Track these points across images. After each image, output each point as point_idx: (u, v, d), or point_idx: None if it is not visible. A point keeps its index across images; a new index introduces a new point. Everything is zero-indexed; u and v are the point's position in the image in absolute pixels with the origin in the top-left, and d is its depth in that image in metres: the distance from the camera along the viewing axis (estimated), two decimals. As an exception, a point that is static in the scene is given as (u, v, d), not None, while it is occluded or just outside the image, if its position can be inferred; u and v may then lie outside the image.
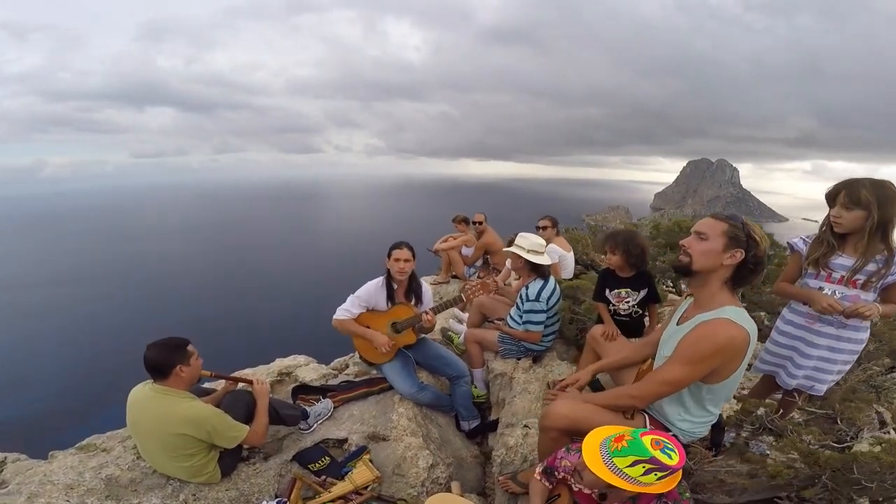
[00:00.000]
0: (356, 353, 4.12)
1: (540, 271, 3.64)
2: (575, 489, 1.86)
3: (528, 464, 2.72)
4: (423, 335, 3.68)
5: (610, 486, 1.53)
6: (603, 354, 2.98)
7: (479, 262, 6.80)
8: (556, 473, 1.93)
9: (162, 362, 2.29)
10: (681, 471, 1.54)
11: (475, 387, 3.91)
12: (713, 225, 1.80)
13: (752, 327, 1.77)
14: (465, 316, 5.15)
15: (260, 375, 3.85)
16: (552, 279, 3.72)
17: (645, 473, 1.48)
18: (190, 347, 2.41)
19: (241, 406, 2.65)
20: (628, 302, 3.31)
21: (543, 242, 3.69)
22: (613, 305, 3.34)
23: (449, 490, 2.80)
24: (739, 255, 1.77)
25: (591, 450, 1.62)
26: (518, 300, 3.73)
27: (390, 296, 3.43)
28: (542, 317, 3.58)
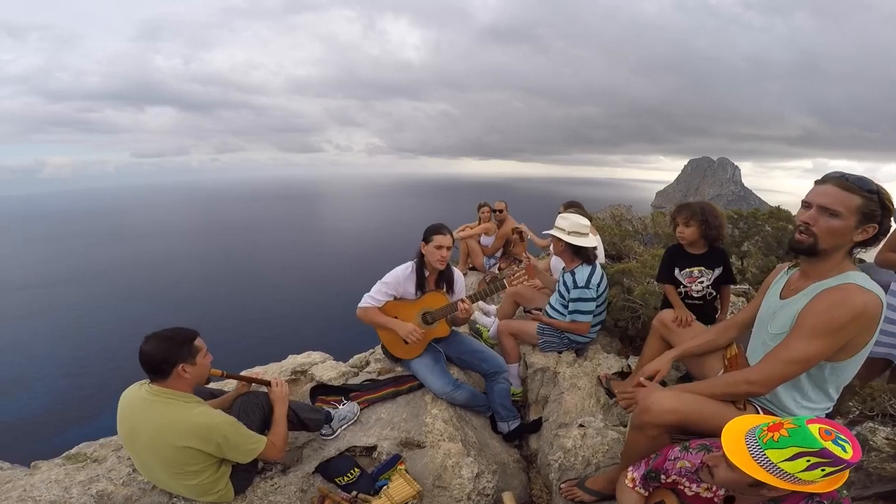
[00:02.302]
0: (378, 348, 3.73)
1: (584, 255, 3.28)
2: (689, 493, 1.61)
3: (594, 468, 2.42)
4: (454, 328, 3.30)
5: (753, 484, 1.30)
6: (675, 342, 2.61)
7: (498, 253, 6.39)
8: (661, 477, 1.67)
9: (162, 359, 1.87)
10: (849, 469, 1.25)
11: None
12: (845, 199, 1.52)
13: (881, 294, 1.55)
14: (492, 308, 4.75)
15: (276, 376, 3.46)
16: (598, 264, 3.35)
17: (809, 468, 1.21)
18: (198, 342, 1.99)
19: (255, 412, 2.25)
20: (701, 282, 2.95)
21: (587, 223, 3.31)
22: (684, 287, 2.97)
23: (500, 502, 2.41)
24: (872, 230, 1.54)
25: (734, 441, 1.34)
26: (561, 287, 3.36)
27: (420, 284, 3.06)
28: (591, 305, 3.21)
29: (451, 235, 3.02)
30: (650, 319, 3.64)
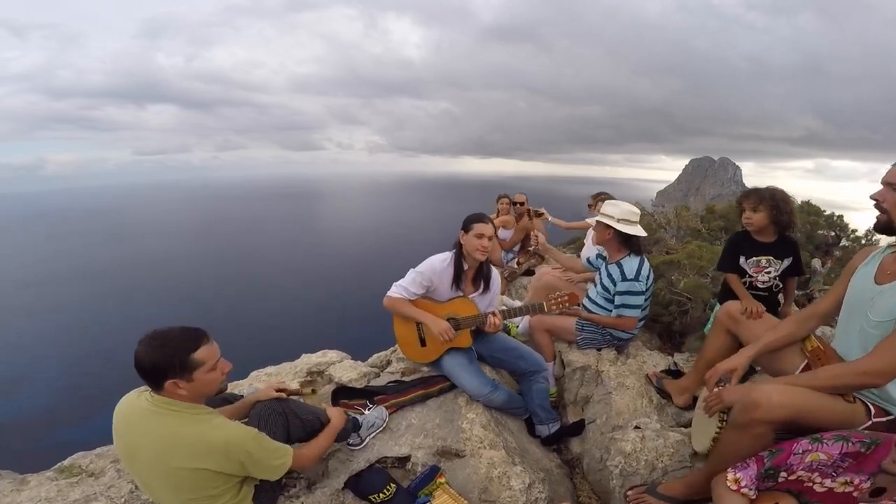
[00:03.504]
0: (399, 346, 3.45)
1: (633, 245, 3.01)
2: (820, 489, 1.50)
3: (660, 472, 2.19)
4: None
5: None
6: (744, 336, 2.36)
7: (517, 247, 6.10)
8: (781, 475, 1.53)
9: (150, 368, 1.51)
10: None
11: None
12: None
13: None
14: (516, 303, 4.45)
15: (289, 382, 3.16)
16: (645, 255, 3.07)
17: None
18: (200, 353, 1.55)
19: (277, 420, 1.94)
20: (769, 273, 2.71)
21: (637, 210, 3.03)
22: (749, 277, 2.71)
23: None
24: None
25: None
26: (605, 280, 3.07)
27: (457, 277, 2.78)
28: (640, 299, 2.95)
29: (494, 225, 2.76)
30: (700, 314, 3.36)
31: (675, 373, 3.10)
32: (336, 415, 2.16)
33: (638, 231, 2.95)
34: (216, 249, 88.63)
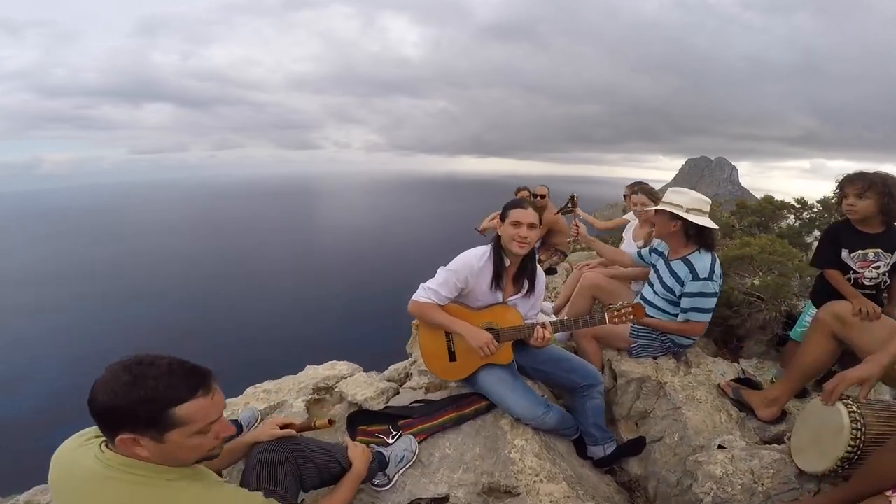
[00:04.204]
0: (420, 357, 2.99)
1: (704, 239, 2.56)
2: None
3: (761, 497, 1.86)
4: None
5: None
6: (858, 341, 2.03)
7: (538, 244, 5.63)
8: None
9: (105, 412, 1.04)
10: None
11: None
12: None
13: None
14: (547, 305, 4.00)
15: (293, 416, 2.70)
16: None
17: None
18: (187, 408, 1.07)
19: (285, 467, 1.50)
20: (877, 268, 2.31)
21: (708, 200, 2.61)
22: (854, 273, 2.30)
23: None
24: None
25: None
26: (667, 279, 2.65)
27: (497, 277, 2.33)
28: (713, 302, 2.54)
29: (536, 211, 2.30)
30: (771, 316, 2.91)
31: (746, 381, 2.71)
32: (360, 456, 1.73)
33: (710, 223, 2.52)
34: (214, 248, 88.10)
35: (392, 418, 2.36)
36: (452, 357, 2.40)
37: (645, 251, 2.97)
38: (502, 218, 2.31)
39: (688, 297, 2.53)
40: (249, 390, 2.97)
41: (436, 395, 2.61)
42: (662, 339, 2.74)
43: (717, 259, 2.57)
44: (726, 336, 3.22)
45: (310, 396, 2.84)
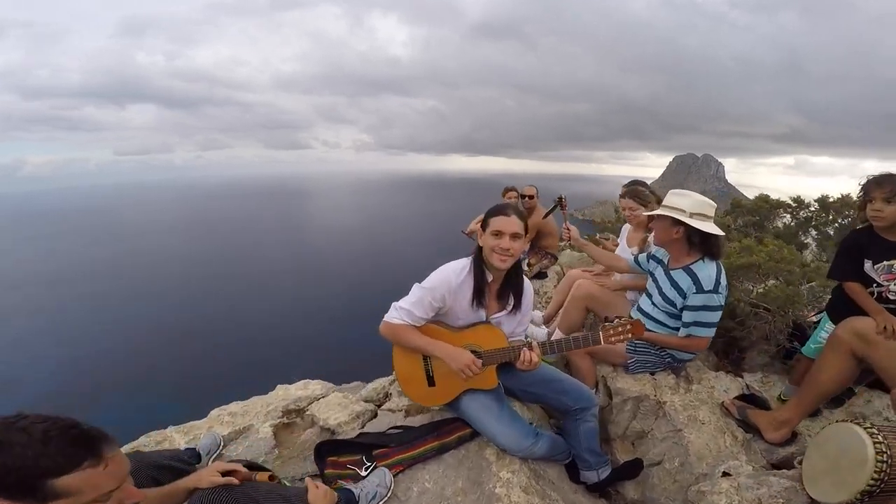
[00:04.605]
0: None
1: (708, 247, 2.34)
2: None
3: None
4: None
5: None
6: (883, 360, 1.87)
7: (526, 247, 5.43)
8: None
9: None
10: None
11: None
12: None
13: None
14: (537, 315, 3.80)
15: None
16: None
17: None
18: (71, 479, 0.90)
19: None
20: None
21: (713, 204, 2.38)
22: (879, 287, 2.13)
23: None
24: None
25: None
26: (667, 290, 2.43)
27: (479, 293, 2.08)
28: (718, 316, 2.32)
29: (522, 219, 2.03)
30: (777, 328, 2.74)
31: (751, 398, 2.52)
32: (321, 499, 1.51)
33: (715, 230, 2.30)
34: (206, 249, 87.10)
35: (365, 447, 2.12)
36: (431, 382, 2.17)
37: (642, 257, 2.76)
38: (483, 226, 2.05)
39: (690, 310, 2.31)
40: (214, 412, 2.73)
41: (416, 419, 2.39)
42: (662, 354, 2.54)
43: (723, 269, 2.35)
44: (727, 347, 3.04)
45: (278, 420, 2.60)
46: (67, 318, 45.58)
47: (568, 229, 3.04)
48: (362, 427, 2.50)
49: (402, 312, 2.03)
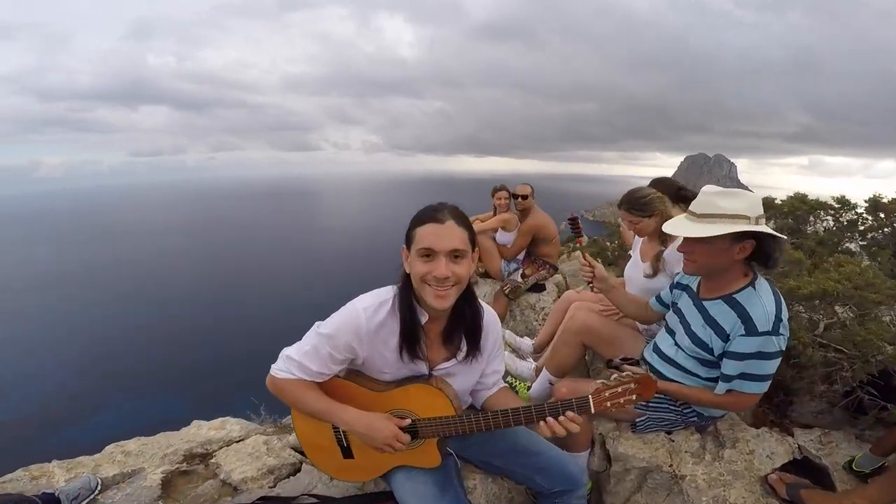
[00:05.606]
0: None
1: (764, 262, 1.62)
2: None
3: None
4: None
5: None
6: None
7: (521, 255, 4.73)
8: None
9: None
10: None
11: None
12: None
13: None
14: (525, 342, 3.13)
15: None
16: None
17: None
18: None
19: None
20: None
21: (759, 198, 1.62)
22: None
23: None
24: None
25: None
26: (700, 329, 1.73)
27: (409, 340, 1.40)
28: (775, 365, 1.59)
29: (462, 225, 1.32)
30: (855, 377, 2.00)
31: (805, 465, 1.87)
32: None
33: (782, 238, 1.58)
34: (211, 252, 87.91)
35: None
36: (347, 453, 1.55)
37: (665, 293, 2.04)
38: (407, 242, 1.34)
39: (735, 358, 1.60)
40: (109, 448, 2.24)
41: (341, 486, 1.77)
42: (685, 410, 1.88)
43: (782, 299, 1.63)
44: (771, 390, 2.34)
45: (175, 467, 2.04)
46: (80, 318, 46.35)
47: (591, 266, 2.15)
48: (272, 486, 1.91)
49: (291, 365, 1.39)
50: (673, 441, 1.94)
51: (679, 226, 1.63)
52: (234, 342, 37.02)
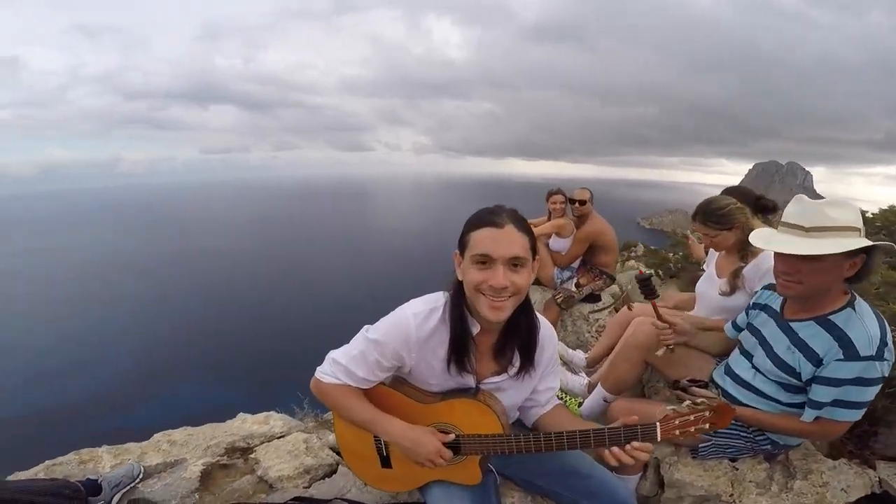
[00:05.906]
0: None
1: (860, 279, 1.45)
2: None
3: None
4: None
5: None
6: None
7: (576, 263, 4.58)
8: None
9: None
10: None
11: None
12: None
13: None
14: (578, 355, 3.04)
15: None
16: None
17: None
18: None
19: None
20: None
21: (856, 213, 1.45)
22: None
23: None
24: None
25: None
26: (786, 353, 1.56)
27: (458, 352, 1.33)
28: (874, 392, 1.43)
29: (524, 231, 1.23)
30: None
31: (881, 498, 1.67)
32: None
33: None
34: (270, 248, 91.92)
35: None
36: (386, 462, 1.51)
37: (741, 317, 1.85)
38: (460, 247, 1.27)
39: (830, 384, 1.44)
40: (157, 437, 2.30)
41: (374, 495, 1.77)
42: (758, 437, 1.70)
43: (886, 322, 1.43)
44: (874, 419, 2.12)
45: (216, 459, 2.09)
46: (135, 309, 48.87)
47: (671, 325, 1.93)
48: (307, 486, 1.92)
49: (337, 369, 1.36)
50: (737, 469, 1.79)
51: (790, 242, 1.43)
52: (285, 337, 38.18)
